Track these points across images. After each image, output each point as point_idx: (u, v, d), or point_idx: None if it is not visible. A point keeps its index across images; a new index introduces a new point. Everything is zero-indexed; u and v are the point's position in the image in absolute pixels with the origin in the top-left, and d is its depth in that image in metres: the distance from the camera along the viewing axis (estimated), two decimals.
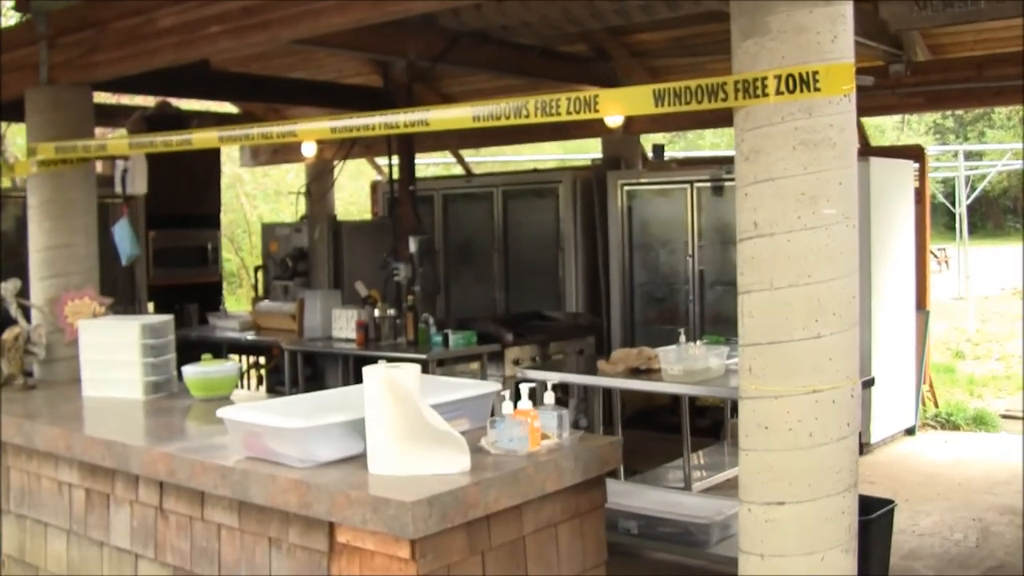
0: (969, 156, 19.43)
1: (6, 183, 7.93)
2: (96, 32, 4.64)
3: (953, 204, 18.15)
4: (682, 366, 5.13)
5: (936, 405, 8.43)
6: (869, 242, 6.90)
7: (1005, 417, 8.47)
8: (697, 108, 2.83)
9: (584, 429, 5.36)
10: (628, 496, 5.09)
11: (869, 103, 6.85)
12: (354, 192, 17.89)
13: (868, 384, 5.47)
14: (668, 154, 10.02)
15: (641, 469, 6.24)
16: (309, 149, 9.26)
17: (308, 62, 8.39)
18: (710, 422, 7.39)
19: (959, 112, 25.86)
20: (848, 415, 2.76)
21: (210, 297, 9.30)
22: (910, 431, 7.82)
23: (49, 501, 3.85)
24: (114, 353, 4.26)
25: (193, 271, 9.45)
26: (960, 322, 14.40)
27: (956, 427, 8.11)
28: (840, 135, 2.71)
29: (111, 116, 8.95)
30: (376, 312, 7.00)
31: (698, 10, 6.08)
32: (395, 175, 7.84)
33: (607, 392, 6.17)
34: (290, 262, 9.10)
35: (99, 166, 6.40)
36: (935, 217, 18.05)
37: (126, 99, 9.95)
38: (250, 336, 8.02)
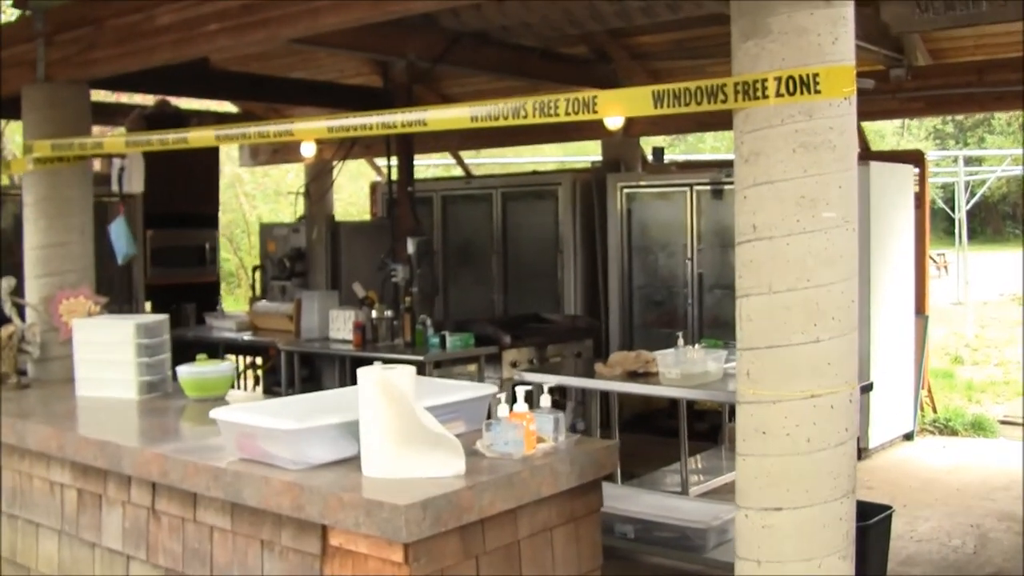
0: (969, 161, 19.49)
1: (4, 180, 7.92)
2: (94, 29, 4.62)
3: (953, 209, 18.18)
4: (680, 370, 5.11)
5: (935, 410, 8.41)
6: (869, 246, 6.88)
7: (1004, 423, 8.45)
8: (696, 110, 2.81)
9: (581, 432, 5.36)
10: (625, 500, 5.07)
11: (870, 107, 6.88)
12: (353, 193, 17.88)
13: (867, 389, 5.46)
14: (668, 157, 10.00)
15: (638, 473, 6.22)
16: (308, 149, 9.26)
17: (308, 62, 8.38)
18: (708, 426, 7.39)
19: (959, 117, 25.90)
20: (846, 420, 2.74)
21: (208, 297, 9.26)
22: (908, 436, 7.81)
23: (41, 501, 3.82)
24: (108, 352, 4.23)
25: (191, 271, 9.42)
26: (959, 327, 14.40)
27: (954, 433, 8.09)
28: (840, 138, 2.70)
29: (110, 115, 8.94)
30: (373, 313, 6.99)
31: (699, 12, 6.07)
32: (394, 176, 7.82)
33: (604, 395, 6.15)
34: (288, 262, 9.07)
35: (96, 164, 6.37)
36: (934, 222, 18.09)
37: (125, 98, 9.95)
38: (247, 336, 8.02)
